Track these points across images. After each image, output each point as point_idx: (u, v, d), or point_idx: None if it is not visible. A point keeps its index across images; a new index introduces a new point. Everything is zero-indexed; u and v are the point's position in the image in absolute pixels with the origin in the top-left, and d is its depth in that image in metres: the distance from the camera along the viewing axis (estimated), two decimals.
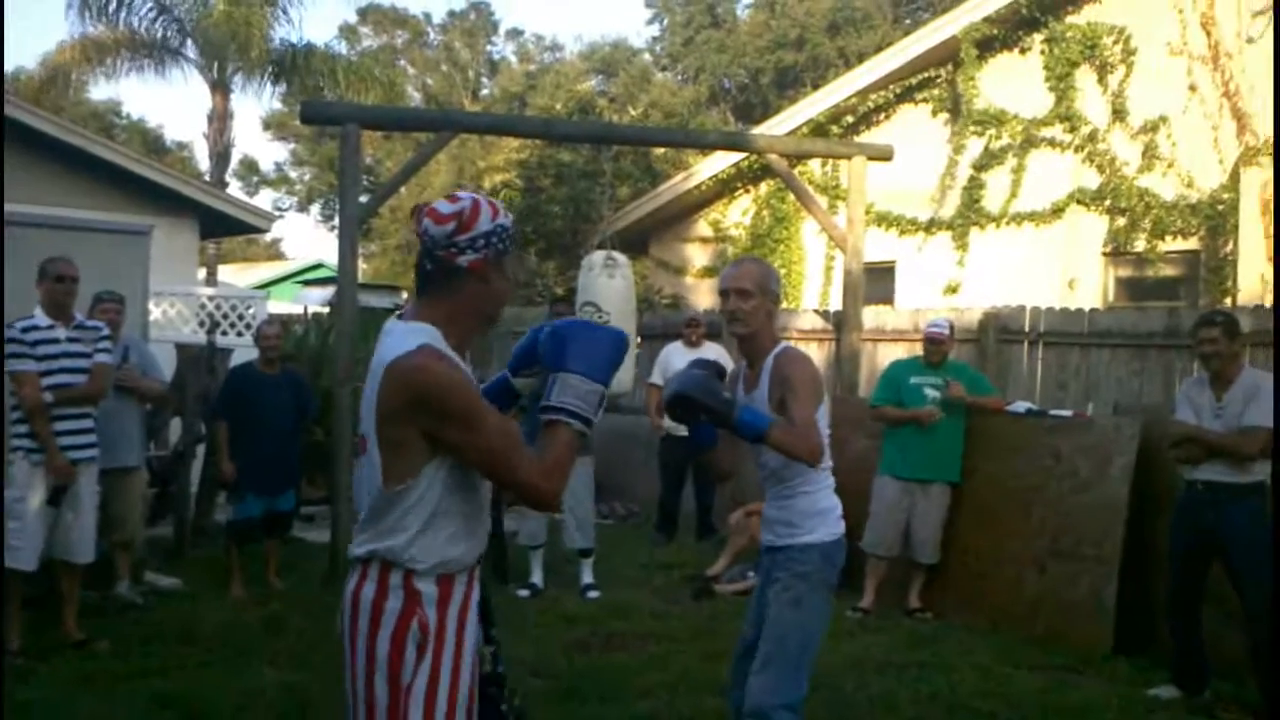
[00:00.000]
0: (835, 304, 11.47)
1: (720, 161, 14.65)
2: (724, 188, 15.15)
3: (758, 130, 14.67)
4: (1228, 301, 10.56)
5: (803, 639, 3.68)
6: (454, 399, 2.35)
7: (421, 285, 2.51)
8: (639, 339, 12.26)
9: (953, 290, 12.77)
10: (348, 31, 37.65)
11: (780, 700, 3.58)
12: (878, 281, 13.14)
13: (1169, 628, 5.62)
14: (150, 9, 20.38)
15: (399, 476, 2.39)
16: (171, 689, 5.21)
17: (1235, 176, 11.02)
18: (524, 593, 7.54)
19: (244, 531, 7.40)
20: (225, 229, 15.84)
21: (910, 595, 7.28)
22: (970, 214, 12.84)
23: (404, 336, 2.42)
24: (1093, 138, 12.10)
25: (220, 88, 21.76)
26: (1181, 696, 5.55)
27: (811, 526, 3.73)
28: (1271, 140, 10.81)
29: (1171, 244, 11.55)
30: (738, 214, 15.25)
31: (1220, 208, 11.12)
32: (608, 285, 9.86)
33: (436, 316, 2.47)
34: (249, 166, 41.57)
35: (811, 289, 14.31)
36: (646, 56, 36.35)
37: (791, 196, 12.64)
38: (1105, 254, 12.04)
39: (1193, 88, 11.40)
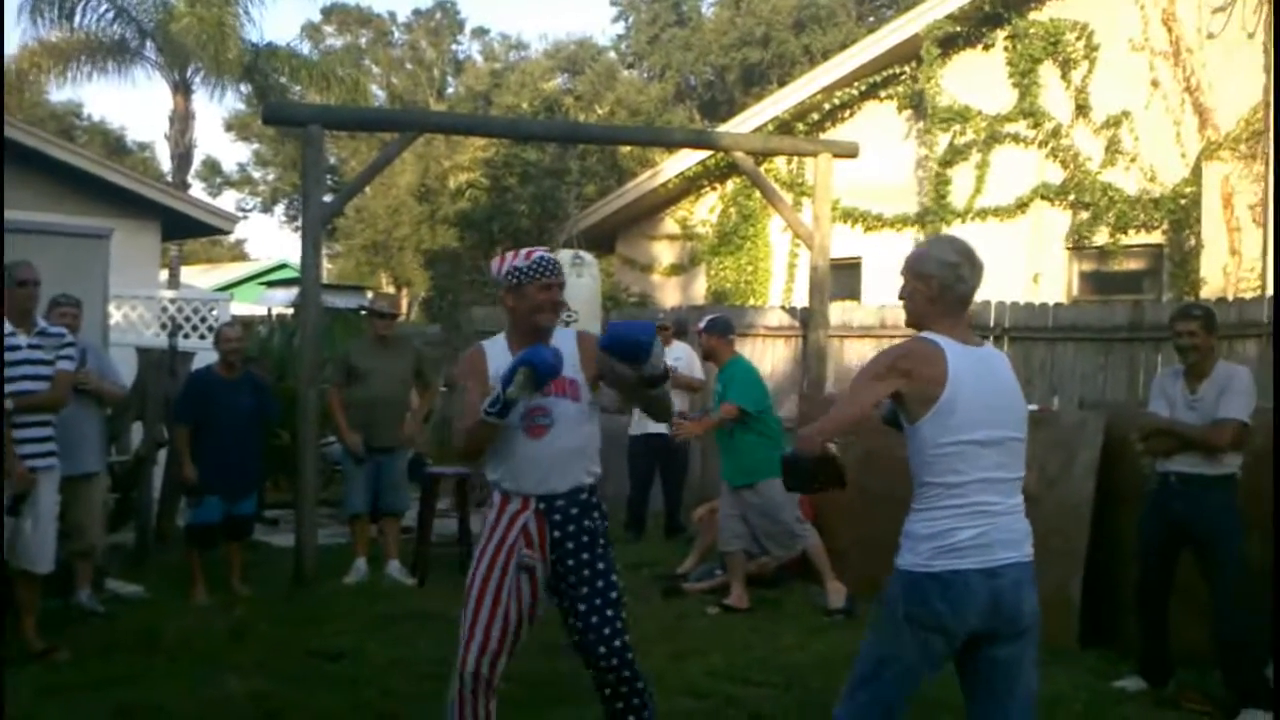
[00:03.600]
0: (802, 300, 11.47)
1: (686, 159, 14.64)
2: (690, 185, 15.13)
3: (724, 128, 14.67)
4: (1192, 294, 10.64)
5: (863, 664, 3.28)
6: (459, 376, 4.08)
7: None
8: None
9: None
10: (311, 31, 37.44)
11: (838, 713, 3.31)
12: (844, 278, 13.16)
13: (1137, 619, 5.65)
14: (107, 10, 20.17)
15: None
16: (134, 698, 5.13)
17: (1197, 171, 11.12)
18: None
19: (204, 536, 7.31)
20: (187, 230, 15.72)
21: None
22: (936, 210, 12.89)
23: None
24: (1056, 133, 12.17)
25: (182, 89, 21.57)
26: (1147, 687, 5.58)
27: (903, 548, 3.25)
28: (1232, 134, 10.92)
29: (1135, 238, 11.64)
30: (704, 211, 15.24)
31: (1183, 202, 11.22)
32: (576, 284, 9.80)
33: (506, 327, 4.03)
34: (212, 168, 41.28)
35: (778, 286, 14.33)
36: (612, 54, 36.30)
37: (758, 194, 12.65)
38: (1069, 248, 12.12)
39: (1155, 83, 11.49)
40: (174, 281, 19.53)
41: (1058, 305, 10.36)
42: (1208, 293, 10.49)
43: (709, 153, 13.38)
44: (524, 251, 4.00)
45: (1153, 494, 5.52)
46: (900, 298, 3.40)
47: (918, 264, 3.32)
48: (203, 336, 12.33)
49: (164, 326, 11.88)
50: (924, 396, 3.16)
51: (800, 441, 3.50)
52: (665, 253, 15.75)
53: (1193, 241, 11.07)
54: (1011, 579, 3.18)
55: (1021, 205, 12.32)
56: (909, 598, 3.18)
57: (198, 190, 34.85)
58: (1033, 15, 12.36)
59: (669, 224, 15.65)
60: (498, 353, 3.99)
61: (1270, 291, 9.93)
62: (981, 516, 3.16)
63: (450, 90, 38.70)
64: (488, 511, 4.02)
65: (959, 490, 3.16)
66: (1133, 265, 11.92)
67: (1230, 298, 9.80)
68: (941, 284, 3.26)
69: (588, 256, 10.18)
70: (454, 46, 40.84)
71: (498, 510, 3.95)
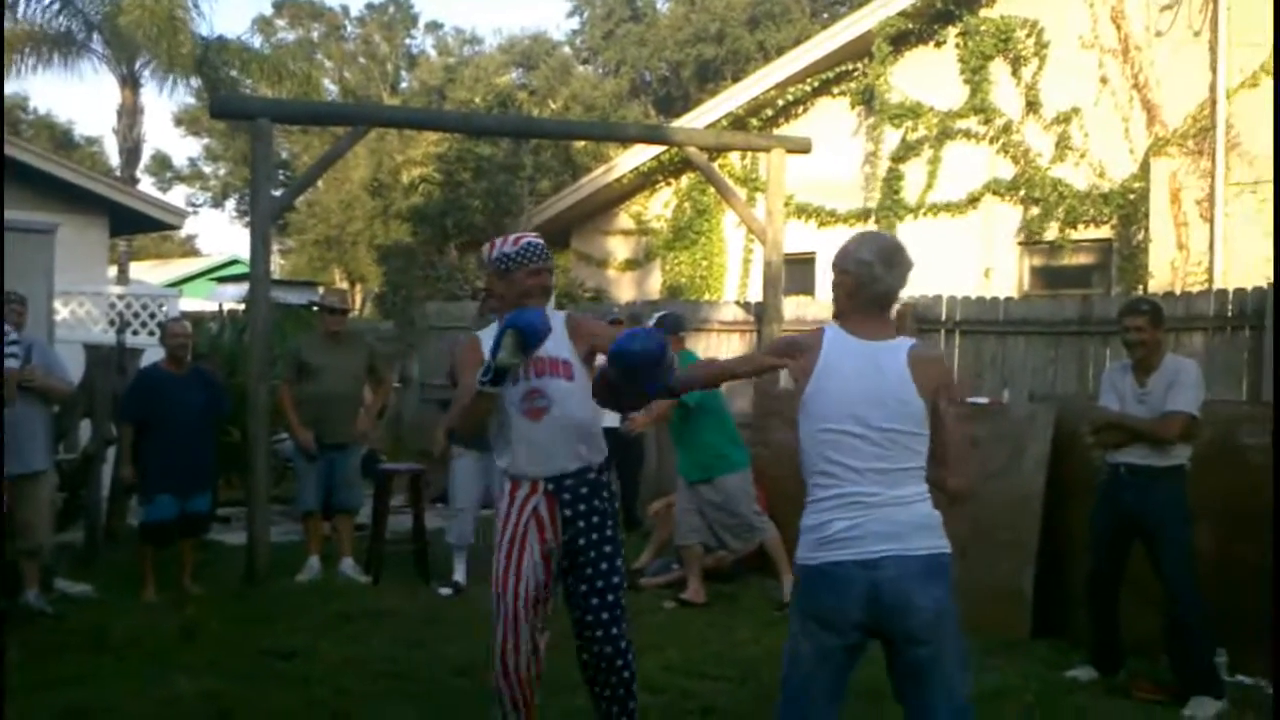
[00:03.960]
0: (757, 295, 11.50)
1: (641, 154, 14.64)
2: (645, 180, 15.14)
3: (678, 123, 14.69)
4: (1140, 289, 10.78)
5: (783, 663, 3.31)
6: (457, 364, 4.33)
7: None
8: None
9: None
10: (263, 24, 37.08)
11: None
12: (799, 273, 13.22)
13: (1089, 610, 5.72)
14: (52, 2, 19.86)
15: None
16: (83, 699, 5.06)
17: (1145, 166, 11.26)
18: (446, 591, 7.45)
19: (157, 534, 7.21)
20: (136, 226, 15.53)
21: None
22: (888, 205, 12.97)
23: None
24: (1007, 129, 12.28)
25: (130, 83, 21.28)
26: (1099, 677, 5.65)
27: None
28: (1180, 131, 11.06)
29: (1084, 233, 11.78)
30: (659, 206, 15.25)
31: (1131, 197, 11.36)
32: None
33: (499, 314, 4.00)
34: (161, 162, 40.79)
35: (733, 281, 14.37)
36: (567, 50, 36.23)
37: (713, 189, 12.67)
38: (1020, 243, 12.23)
39: (1104, 80, 11.62)
40: (123, 277, 19.24)
41: (1008, 299, 10.45)
42: (1155, 287, 10.63)
43: (663, 148, 13.39)
44: (513, 237, 4.07)
45: (1103, 486, 5.59)
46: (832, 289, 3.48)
47: (839, 259, 3.38)
48: (152, 333, 12.18)
49: (112, 323, 11.72)
50: (797, 386, 3.29)
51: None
52: (620, 248, 15.75)
53: (1141, 236, 11.22)
54: (892, 573, 3.11)
55: (973, 200, 12.42)
56: (801, 592, 3.27)
57: (147, 185, 34.45)
58: (984, 12, 12.46)
59: (624, 219, 15.65)
60: (491, 337, 3.99)
61: (1218, 284, 10.09)
62: (856, 508, 3.15)
63: (404, 85, 38.47)
64: (498, 501, 4.09)
65: (833, 480, 3.19)
66: (1082, 260, 12.06)
67: (1178, 291, 9.94)
68: (857, 281, 3.31)
69: None
70: (407, 41, 40.62)
71: (508, 498, 4.00)
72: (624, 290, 15.11)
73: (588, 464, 4.00)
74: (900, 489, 3.17)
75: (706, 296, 13.99)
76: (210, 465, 7.61)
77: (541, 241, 4.08)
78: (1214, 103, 10.79)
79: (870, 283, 3.29)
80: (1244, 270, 10.10)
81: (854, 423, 3.17)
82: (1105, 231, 11.65)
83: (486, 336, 4.03)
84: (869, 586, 3.11)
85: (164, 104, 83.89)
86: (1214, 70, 10.80)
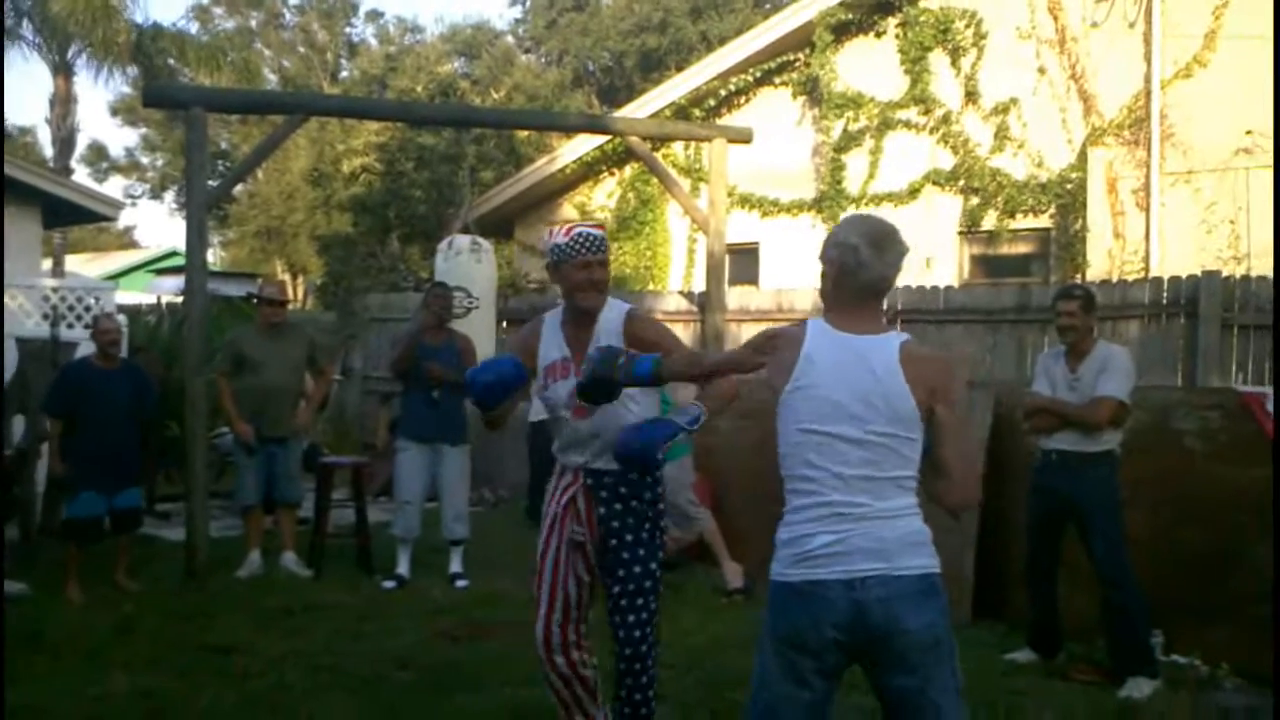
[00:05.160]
0: (700, 286, 11.52)
1: (584, 144, 14.60)
2: (589, 171, 15.11)
3: (620, 113, 14.65)
4: (1078, 277, 10.91)
5: (752, 683, 3.03)
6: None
7: None
8: (504, 323, 12.19)
9: None
10: (200, 12, 36.49)
11: None
12: (743, 263, 13.27)
13: (1027, 593, 5.79)
14: None
15: None
16: (15, 699, 4.96)
17: (1083, 156, 11.40)
18: (390, 584, 7.39)
19: (82, 530, 7.06)
20: (71, 217, 15.23)
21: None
22: (831, 195, 13.03)
23: None
24: (947, 120, 12.38)
25: (63, 70, 20.88)
26: (1037, 659, 5.73)
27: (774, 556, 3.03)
28: (1115, 121, 11.21)
29: (1023, 222, 11.90)
30: (603, 197, 15.23)
31: (1069, 187, 11.49)
32: (478, 271, 9.78)
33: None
34: (98, 152, 40.10)
35: (677, 271, 14.38)
36: (510, 39, 36.02)
37: (656, 179, 12.66)
38: (960, 233, 12.34)
39: (1041, 70, 11.75)
40: (58, 270, 18.95)
41: (948, 288, 10.55)
42: (1093, 275, 10.78)
43: (606, 138, 13.37)
44: (566, 227, 3.92)
45: (1036, 471, 5.66)
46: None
47: (822, 246, 3.08)
48: (87, 326, 11.95)
49: (46, 316, 11.50)
50: (776, 383, 2.98)
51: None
52: None
53: (1079, 225, 11.36)
54: (879, 594, 2.82)
55: (914, 190, 12.51)
56: (773, 611, 2.95)
57: (82, 176, 33.87)
58: (923, 3, 12.55)
59: (567, 209, 15.61)
60: (551, 330, 3.98)
61: (1154, 272, 10.25)
62: (840, 520, 2.87)
63: (344, 74, 38.04)
64: (553, 478, 4.14)
65: (815, 486, 2.90)
66: (1021, 249, 12.19)
67: (1114, 280, 10.08)
68: (841, 268, 3.00)
69: (485, 243, 10.12)
70: (348, 30, 40.17)
71: (556, 479, 4.07)
72: None
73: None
74: (888, 500, 2.88)
75: (651, 287, 13.99)
76: (137, 460, 7.46)
77: (596, 231, 3.89)
78: (1149, 93, 10.94)
79: (856, 269, 2.97)
80: (1179, 259, 10.26)
81: (840, 425, 2.88)
82: (1044, 221, 11.79)
83: (549, 324, 4.00)
84: (853, 608, 2.81)
85: (100, 93, 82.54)
86: (1148, 61, 10.95)
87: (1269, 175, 10.03)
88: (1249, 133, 10.15)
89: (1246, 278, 8.79)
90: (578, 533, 3.97)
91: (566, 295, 3.92)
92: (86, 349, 8.56)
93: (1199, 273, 8.75)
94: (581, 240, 3.83)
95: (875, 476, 2.88)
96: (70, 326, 10.70)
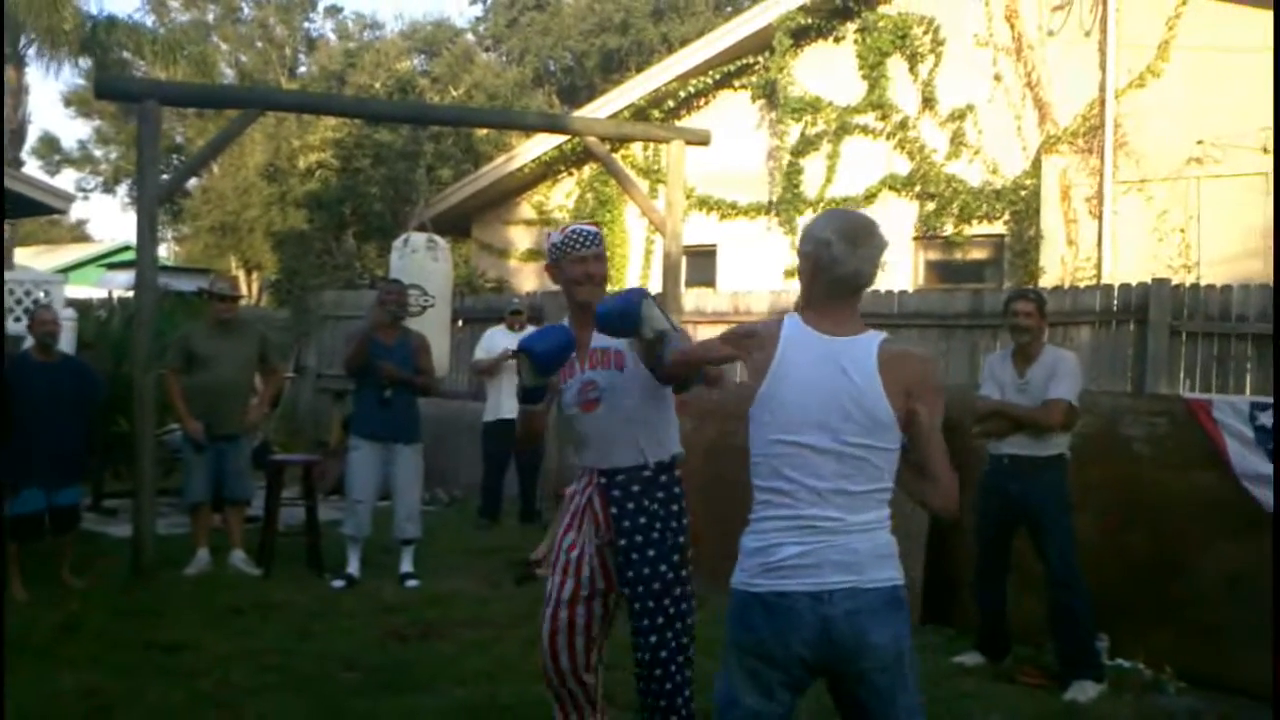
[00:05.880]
0: (657, 287, 11.52)
1: (543, 144, 14.57)
2: (547, 170, 15.08)
3: (579, 113, 14.64)
4: (1032, 284, 11.01)
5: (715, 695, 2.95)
6: None
7: None
8: (459, 322, 12.14)
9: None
10: (156, 4, 36.05)
11: None
12: (700, 265, 13.29)
13: (976, 597, 5.84)
14: None
15: None
16: None
17: (1037, 163, 11.51)
18: (339, 584, 7.33)
19: (24, 528, 6.93)
20: (21, 210, 14.99)
21: None
22: (788, 199, 13.08)
23: None
24: (903, 125, 12.45)
25: (13, 61, 20.58)
26: (985, 662, 5.78)
27: (737, 565, 2.92)
28: (1070, 129, 11.32)
29: (978, 228, 11.99)
30: (561, 197, 15.21)
31: (1023, 193, 11.59)
32: (434, 269, 9.75)
33: None
34: (49, 144, 39.54)
35: (635, 272, 14.37)
36: (470, 37, 35.87)
37: (615, 180, 12.66)
38: (916, 238, 12.42)
39: (998, 78, 11.84)
40: (7, 263, 18.66)
41: (902, 293, 10.61)
42: (1046, 282, 10.87)
43: (565, 138, 13.34)
44: (563, 227, 3.98)
45: (987, 475, 5.70)
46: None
47: (799, 240, 2.98)
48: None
49: None
50: (750, 384, 2.89)
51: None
52: (522, 238, 15.66)
53: (1033, 232, 11.46)
54: (846, 606, 2.74)
55: (870, 195, 12.57)
56: (734, 621, 2.85)
57: (33, 168, 33.39)
58: (882, 9, 12.61)
59: (526, 209, 15.58)
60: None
61: (1105, 279, 10.36)
62: (812, 532, 2.77)
63: (302, 69, 37.75)
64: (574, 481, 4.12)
65: (787, 500, 2.80)
66: (976, 255, 12.29)
67: (1066, 286, 10.18)
68: (814, 264, 2.88)
69: (441, 241, 10.08)
70: (306, 25, 39.88)
71: (575, 484, 4.02)
72: (526, 280, 15.02)
73: (643, 461, 3.82)
74: (864, 514, 2.80)
75: (608, 288, 13.96)
76: (79, 456, 7.33)
77: (591, 228, 3.95)
78: (1103, 102, 11.06)
79: (830, 265, 2.84)
80: (1130, 266, 10.38)
81: (815, 435, 2.77)
82: (999, 227, 11.88)
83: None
84: (819, 622, 2.74)
85: (53, 84, 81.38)
86: (1103, 70, 11.07)
87: (1219, 185, 10.18)
88: (1200, 142, 10.29)
89: (1196, 286, 8.90)
90: (599, 537, 3.88)
91: (566, 291, 3.95)
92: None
93: (1149, 280, 8.86)
94: (577, 236, 3.90)
95: (850, 490, 2.79)
96: (18, 320, 10.55)
